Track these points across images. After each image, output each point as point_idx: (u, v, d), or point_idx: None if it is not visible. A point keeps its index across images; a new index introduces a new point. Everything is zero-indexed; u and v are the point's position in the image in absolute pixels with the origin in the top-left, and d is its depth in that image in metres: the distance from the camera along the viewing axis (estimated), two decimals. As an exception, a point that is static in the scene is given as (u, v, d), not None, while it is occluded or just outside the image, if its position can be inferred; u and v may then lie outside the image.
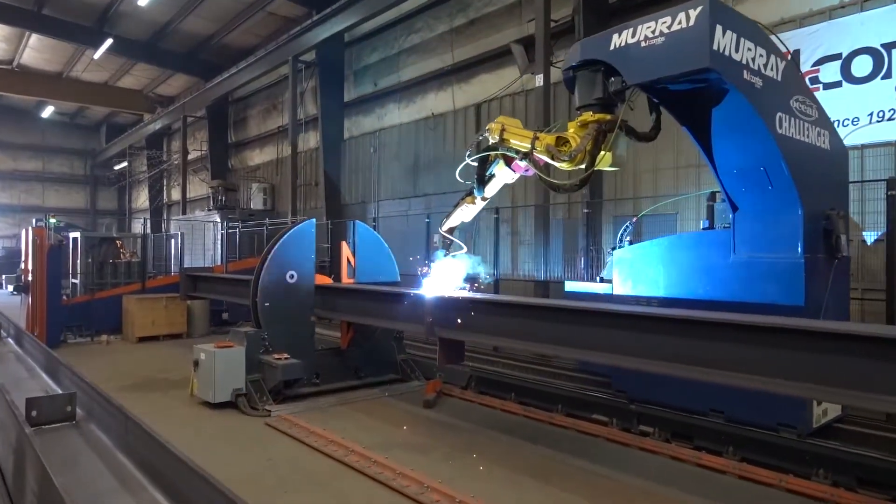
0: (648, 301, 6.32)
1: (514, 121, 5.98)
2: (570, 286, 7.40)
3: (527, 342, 5.51)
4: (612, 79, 4.96)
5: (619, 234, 7.36)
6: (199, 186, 28.02)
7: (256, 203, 22.40)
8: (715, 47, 4.22)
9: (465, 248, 6.57)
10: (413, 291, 6.67)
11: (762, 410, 5.49)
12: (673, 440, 6.08)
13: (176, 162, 29.67)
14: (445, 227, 6.61)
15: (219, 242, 20.89)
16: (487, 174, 6.09)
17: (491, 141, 5.86)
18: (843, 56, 8.37)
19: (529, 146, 5.39)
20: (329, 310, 8.32)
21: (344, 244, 8.86)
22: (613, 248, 6.94)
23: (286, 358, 7.54)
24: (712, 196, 8.08)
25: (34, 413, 3.70)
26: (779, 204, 5.23)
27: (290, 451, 5.99)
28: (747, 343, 4.35)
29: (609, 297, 6.76)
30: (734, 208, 5.61)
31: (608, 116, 5.01)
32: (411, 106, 16.46)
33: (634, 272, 6.52)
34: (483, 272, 6.19)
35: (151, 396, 8.10)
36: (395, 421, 6.99)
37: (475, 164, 6.09)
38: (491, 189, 6.16)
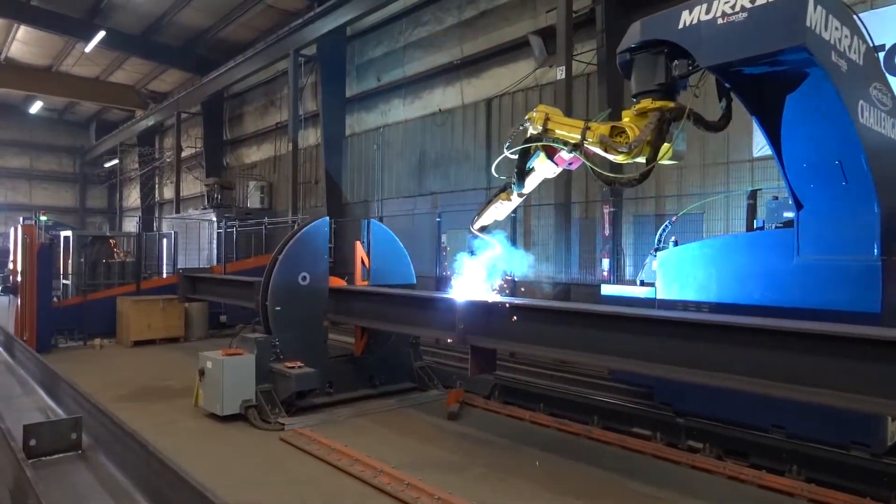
0: (698, 306, 5.85)
1: (555, 110, 5.49)
2: (607, 290, 6.92)
3: (575, 352, 5.01)
4: (677, 62, 4.49)
5: (659, 234, 6.90)
6: (192, 185, 27.34)
7: (253, 202, 21.79)
8: (808, 23, 3.75)
9: (500, 249, 6.07)
10: (442, 295, 6.17)
11: (830, 426, 5.03)
12: (726, 457, 5.62)
13: (169, 159, 28.96)
14: (477, 225, 6.11)
15: (214, 242, 20.30)
16: (527, 168, 5.58)
17: (532, 131, 5.36)
18: (887, 48, 7.96)
19: (579, 137, 4.90)
20: (344, 314, 7.79)
21: (358, 244, 8.33)
22: (656, 250, 6.46)
23: (299, 366, 7.00)
24: (752, 194, 7.66)
25: (33, 442, 3.14)
26: (853, 201, 4.78)
27: (312, 470, 5.46)
28: (820, 354, 3.92)
29: (652, 302, 6.29)
30: (799, 206, 5.15)
31: (671, 104, 4.53)
32: (417, 102, 15.94)
33: (681, 275, 6.04)
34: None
35: (153, 408, 7.53)
36: (420, 435, 6.48)
37: (514, 156, 5.58)
38: (530, 184, 5.67)
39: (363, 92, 17.71)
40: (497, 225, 6.21)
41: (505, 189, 5.95)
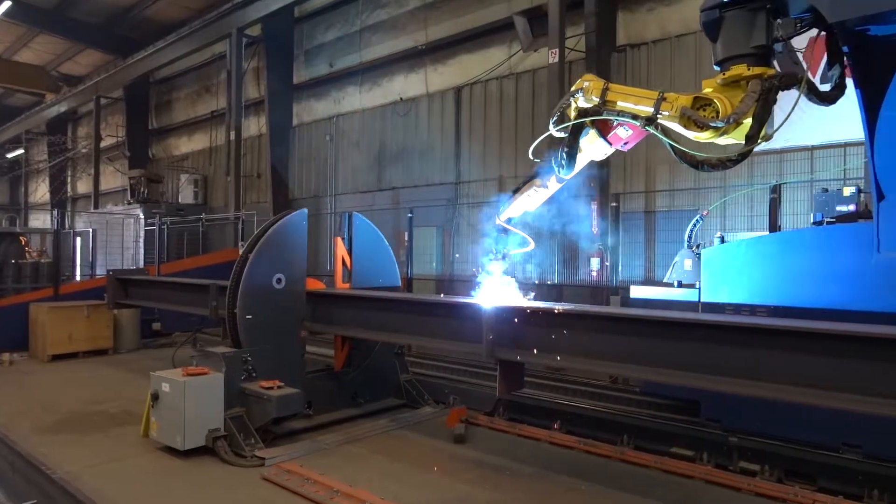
0: (752, 310, 5.20)
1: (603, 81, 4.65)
2: (638, 292, 6.18)
3: (643, 367, 4.20)
4: (780, 20, 3.76)
5: (690, 231, 6.25)
6: (112, 178, 24.89)
7: (186, 196, 19.91)
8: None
9: (533, 244, 5.18)
10: (463, 300, 5.22)
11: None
12: (787, 480, 4.98)
13: (84, 150, 26.27)
14: (504, 216, 5.20)
15: (141, 241, 18.37)
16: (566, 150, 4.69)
17: (583, 104, 4.50)
18: None
19: (652, 110, 4.08)
20: (325, 322, 6.68)
21: (338, 241, 7.22)
22: (698, 247, 5.78)
23: (279, 386, 5.84)
24: (775, 188, 7.17)
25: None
26: (950, 190, 4.23)
27: (314, 522, 4.37)
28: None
29: (694, 305, 5.60)
30: (880, 196, 4.56)
31: (770, 70, 3.79)
32: (375, 89, 14.84)
33: (732, 275, 5.37)
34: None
35: (90, 440, 6.12)
36: (431, 464, 5.47)
37: (560, 134, 4.70)
38: (576, 167, 4.80)
39: (313, 79, 16.41)
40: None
41: (536, 175, 5.08)
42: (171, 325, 12.83)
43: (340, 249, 7.19)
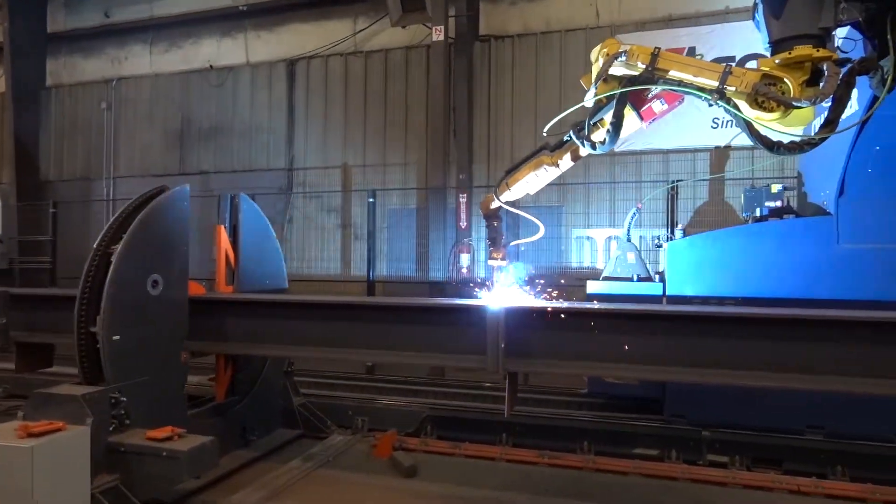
0: (720, 301, 5.22)
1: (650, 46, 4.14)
2: (596, 287, 5.78)
3: (715, 371, 3.77)
4: (844, 4, 3.66)
5: (628, 224, 6.10)
6: None
7: None
8: None
9: (543, 230, 4.42)
10: (463, 302, 4.22)
11: (875, 421, 4.89)
12: (754, 467, 5.10)
13: None
14: (504, 197, 4.36)
15: None
16: (593, 121, 4.07)
17: (621, 70, 3.92)
18: (737, 59, 8.72)
19: (717, 83, 3.67)
20: (215, 340, 4.95)
21: (221, 231, 5.46)
22: (658, 239, 5.63)
23: (179, 435, 4.07)
24: (673, 186, 7.49)
25: None
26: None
27: None
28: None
29: (658, 299, 5.44)
30: (840, 192, 4.90)
31: (835, 55, 3.67)
32: (174, 51, 12.25)
33: (698, 268, 5.33)
34: None
35: None
36: (404, 513, 4.35)
37: (590, 104, 4.04)
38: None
39: (79, 29, 12.94)
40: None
41: (542, 149, 4.38)
42: None
43: (224, 242, 5.45)
